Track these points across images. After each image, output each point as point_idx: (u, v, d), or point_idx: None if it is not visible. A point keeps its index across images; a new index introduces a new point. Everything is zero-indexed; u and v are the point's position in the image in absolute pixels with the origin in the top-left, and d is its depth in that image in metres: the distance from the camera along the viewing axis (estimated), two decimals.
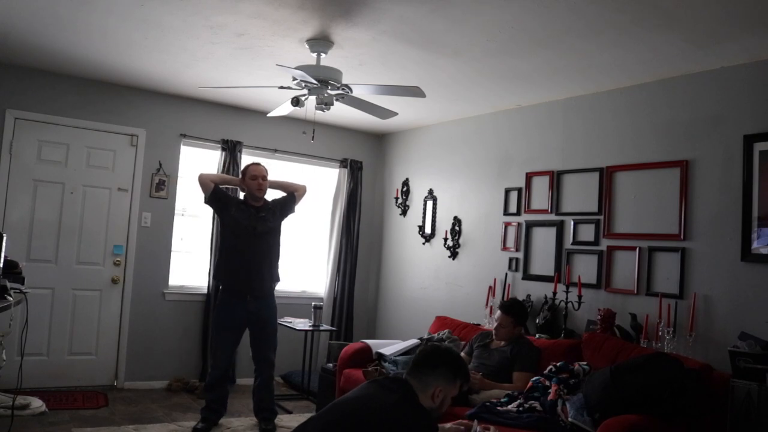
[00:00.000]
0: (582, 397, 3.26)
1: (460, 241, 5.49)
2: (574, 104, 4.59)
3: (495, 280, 4.96)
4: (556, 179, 4.66)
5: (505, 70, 4.13)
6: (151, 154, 5.43)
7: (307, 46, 3.79)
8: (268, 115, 4.55)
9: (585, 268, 4.32)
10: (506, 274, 4.92)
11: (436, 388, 2.24)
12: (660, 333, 3.66)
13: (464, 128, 5.60)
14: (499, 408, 3.45)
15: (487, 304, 4.89)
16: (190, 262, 5.72)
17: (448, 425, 2.42)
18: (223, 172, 5.64)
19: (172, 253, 5.56)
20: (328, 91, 3.74)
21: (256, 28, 3.65)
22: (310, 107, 4.04)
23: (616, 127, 4.28)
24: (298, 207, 4.61)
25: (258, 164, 4.40)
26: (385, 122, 5.61)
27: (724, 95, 3.68)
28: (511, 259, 4.94)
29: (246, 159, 5.84)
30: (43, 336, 4.95)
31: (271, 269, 4.37)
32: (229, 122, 5.80)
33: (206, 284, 5.64)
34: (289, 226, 6.24)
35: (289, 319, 5.43)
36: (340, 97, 3.87)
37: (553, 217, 4.66)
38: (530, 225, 4.83)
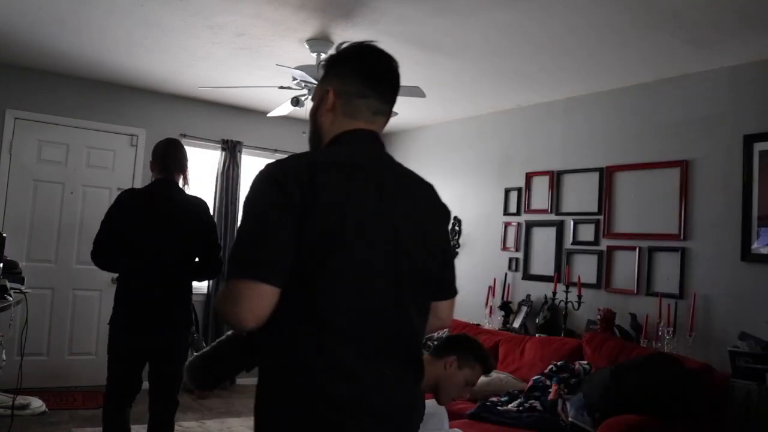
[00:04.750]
0: (582, 397, 3.26)
1: (460, 241, 5.48)
2: (574, 104, 4.59)
3: (495, 280, 4.96)
4: (556, 179, 4.66)
5: (505, 70, 4.13)
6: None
7: (307, 46, 3.79)
8: (268, 115, 4.55)
9: (585, 268, 4.31)
10: (506, 274, 4.92)
11: (448, 358, 2.22)
12: (660, 333, 3.66)
13: (464, 128, 5.60)
14: (499, 407, 3.45)
15: (486, 304, 4.89)
16: None
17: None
18: (222, 171, 5.64)
19: None
20: None
21: (256, 28, 3.65)
22: (310, 107, 4.04)
23: (617, 127, 4.28)
24: None
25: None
26: None
27: (724, 95, 3.67)
28: (511, 259, 4.94)
29: (246, 159, 5.85)
30: (43, 336, 4.95)
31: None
32: (229, 122, 5.80)
33: (206, 284, 5.63)
34: None
35: None
36: None
37: (553, 217, 4.66)
38: (530, 225, 4.83)
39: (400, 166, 1.42)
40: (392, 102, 1.47)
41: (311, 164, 1.26)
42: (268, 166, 1.27)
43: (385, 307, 1.28)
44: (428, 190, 1.45)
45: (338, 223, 1.22)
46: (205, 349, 1.55)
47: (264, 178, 1.25)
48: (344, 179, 1.26)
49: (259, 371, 1.31)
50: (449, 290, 1.49)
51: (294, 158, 1.31)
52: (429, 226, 1.39)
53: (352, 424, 1.22)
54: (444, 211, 1.48)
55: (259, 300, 1.17)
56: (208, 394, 5.17)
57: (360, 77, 1.40)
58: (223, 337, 1.54)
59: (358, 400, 1.24)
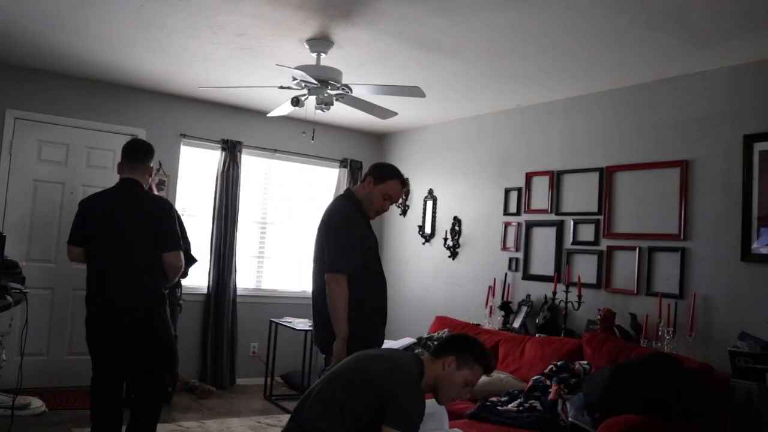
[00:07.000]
0: (582, 397, 3.26)
1: (460, 241, 5.49)
2: (574, 104, 4.59)
3: (495, 280, 4.96)
4: (556, 179, 4.66)
5: (505, 70, 4.13)
6: None
7: (307, 46, 3.79)
8: (268, 115, 4.54)
9: (585, 268, 4.32)
10: (506, 274, 4.92)
11: (447, 358, 2.24)
12: (660, 333, 3.66)
13: (464, 128, 5.60)
14: (499, 408, 3.45)
15: (486, 304, 4.89)
16: None
17: None
18: (222, 171, 5.64)
19: None
20: (328, 91, 3.74)
21: (256, 28, 3.65)
22: (310, 107, 4.04)
23: (617, 127, 4.28)
24: None
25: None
26: (385, 122, 5.61)
27: (724, 95, 3.68)
28: (511, 259, 4.94)
29: (246, 159, 5.85)
30: (43, 336, 4.94)
31: None
32: (229, 122, 5.80)
33: (206, 284, 5.63)
34: (288, 226, 6.26)
35: (289, 319, 5.43)
36: (340, 97, 3.87)
37: (553, 217, 4.66)
38: (530, 225, 4.83)
39: (140, 192, 3.14)
40: (136, 160, 3.18)
41: (90, 197, 3.21)
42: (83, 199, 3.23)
43: (116, 260, 3.02)
44: (150, 201, 3.17)
45: (96, 222, 3.06)
46: None
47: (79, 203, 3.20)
48: (97, 202, 3.13)
49: None
50: (167, 247, 3.08)
51: (89, 196, 3.22)
52: (145, 219, 3.07)
53: (95, 315, 3.10)
54: (160, 212, 3.11)
55: (71, 252, 3.19)
56: (208, 393, 5.17)
57: (123, 154, 3.19)
58: None
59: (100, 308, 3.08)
